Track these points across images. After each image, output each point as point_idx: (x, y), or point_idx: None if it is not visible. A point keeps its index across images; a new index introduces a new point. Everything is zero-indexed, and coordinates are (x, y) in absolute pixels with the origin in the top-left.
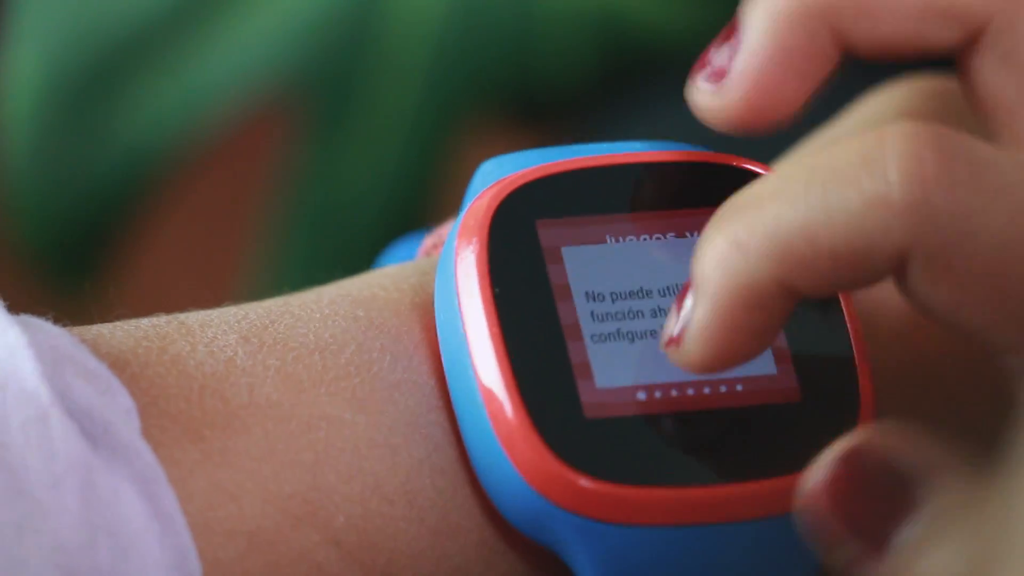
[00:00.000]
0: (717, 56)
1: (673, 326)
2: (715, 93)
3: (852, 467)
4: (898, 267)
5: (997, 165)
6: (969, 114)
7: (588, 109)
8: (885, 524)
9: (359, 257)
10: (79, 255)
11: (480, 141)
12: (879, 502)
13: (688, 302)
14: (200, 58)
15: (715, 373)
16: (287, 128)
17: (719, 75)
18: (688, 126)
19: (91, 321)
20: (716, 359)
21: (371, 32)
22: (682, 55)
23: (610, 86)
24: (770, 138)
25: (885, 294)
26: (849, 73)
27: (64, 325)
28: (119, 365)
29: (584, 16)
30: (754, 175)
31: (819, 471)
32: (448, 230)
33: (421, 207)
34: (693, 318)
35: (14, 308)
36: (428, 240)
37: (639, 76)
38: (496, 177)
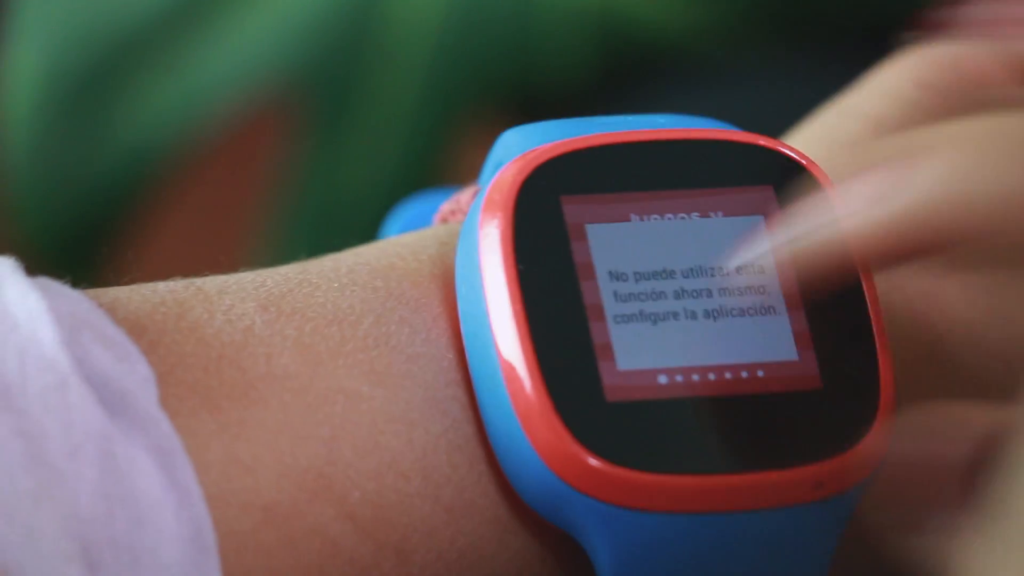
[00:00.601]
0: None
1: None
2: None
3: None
4: None
5: None
6: (981, 83)
7: (588, 107)
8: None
9: None
10: (80, 254)
11: (480, 139)
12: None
13: (883, 185)
14: (200, 57)
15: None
16: (287, 126)
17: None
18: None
19: None
20: (879, 245)
21: (371, 30)
22: (682, 54)
23: (610, 84)
24: (780, 118)
25: (903, 279)
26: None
27: (81, 288)
28: (137, 331)
29: (584, 14)
30: (780, 155)
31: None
32: (465, 197)
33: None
34: (886, 204)
35: None
36: (445, 206)
37: (639, 74)
38: (519, 149)
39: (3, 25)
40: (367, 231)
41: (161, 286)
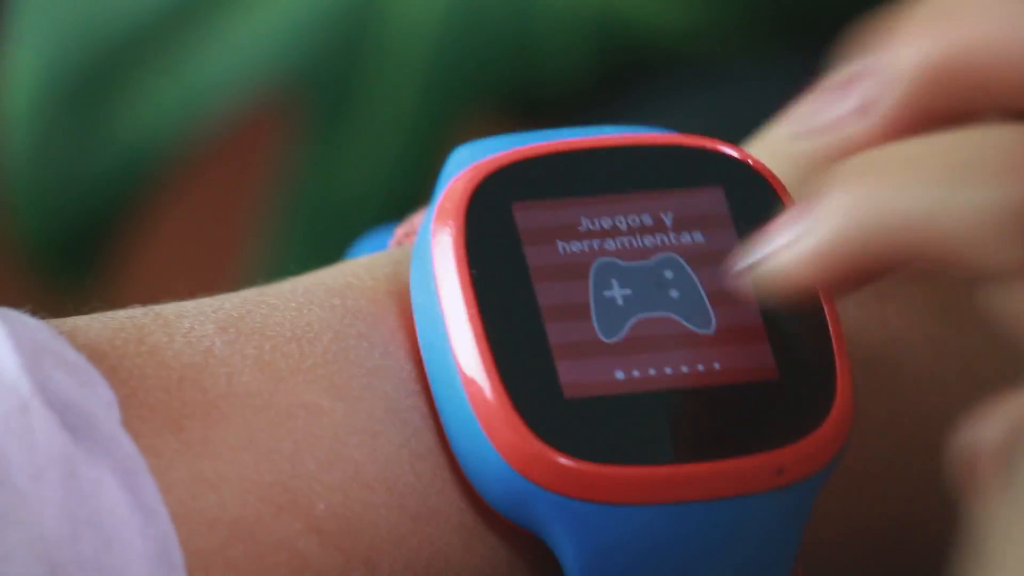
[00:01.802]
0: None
1: (782, 241)
2: (857, 120)
3: None
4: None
5: None
6: None
7: (587, 108)
8: None
9: None
10: (78, 254)
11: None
12: None
13: (799, 226)
14: (199, 57)
15: (798, 290)
16: (285, 127)
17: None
18: (686, 125)
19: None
20: (810, 281)
21: (370, 31)
22: (681, 55)
23: (609, 86)
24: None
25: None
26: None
27: (42, 318)
28: (97, 356)
29: (583, 15)
30: (727, 157)
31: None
32: (418, 220)
33: (420, 203)
34: (803, 242)
35: (12, 306)
36: (399, 230)
37: (638, 75)
38: (468, 162)
39: (3, 25)
40: (365, 231)
41: (120, 313)
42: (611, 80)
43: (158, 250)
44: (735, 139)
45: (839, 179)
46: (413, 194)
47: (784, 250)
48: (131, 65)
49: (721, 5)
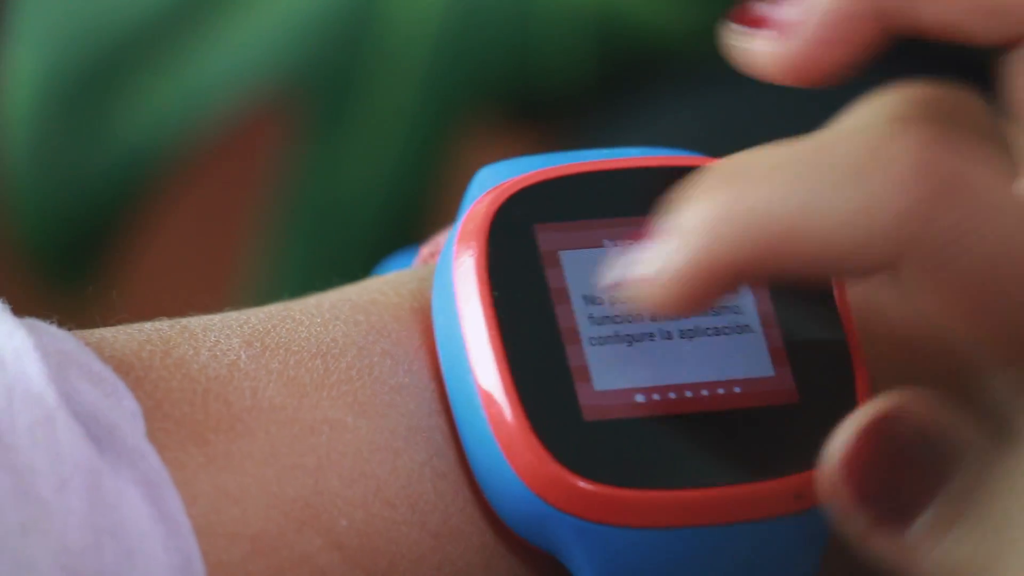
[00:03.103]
0: (771, 10)
1: (644, 265)
2: (774, 42)
3: (883, 431)
4: (887, 268)
5: (995, 190)
6: (955, 122)
7: (587, 109)
8: (903, 498)
9: (357, 256)
10: (78, 255)
11: (479, 141)
12: (900, 473)
13: (664, 247)
14: (199, 58)
15: (677, 315)
16: (286, 128)
17: (779, 28)
18: (686, 126)
19: (92, 320)
20: (680, 305)
21: (370, 32)
22: (681, 55)
23: (609, 86)
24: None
25: (880, 295)
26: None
27: (68, 328)
28: (123, 368)
29: (583, 16)
30: None
31: (846, 432)
32: (443, 238)
33: (420, 207)
34: (669, 265)
35: (15, 308)
36: (425, 249)
37: (638, 76)
38: (493, 183)
39: (3, 25)
40: (366, 231)
41: (147, 325)
42: (611, 80)
43: (158, 250)
44: (735, 141)
45: (704, 186)
46: (413, 195)
47: (651, 271)
48: (131, 65)
49: (721, 6)
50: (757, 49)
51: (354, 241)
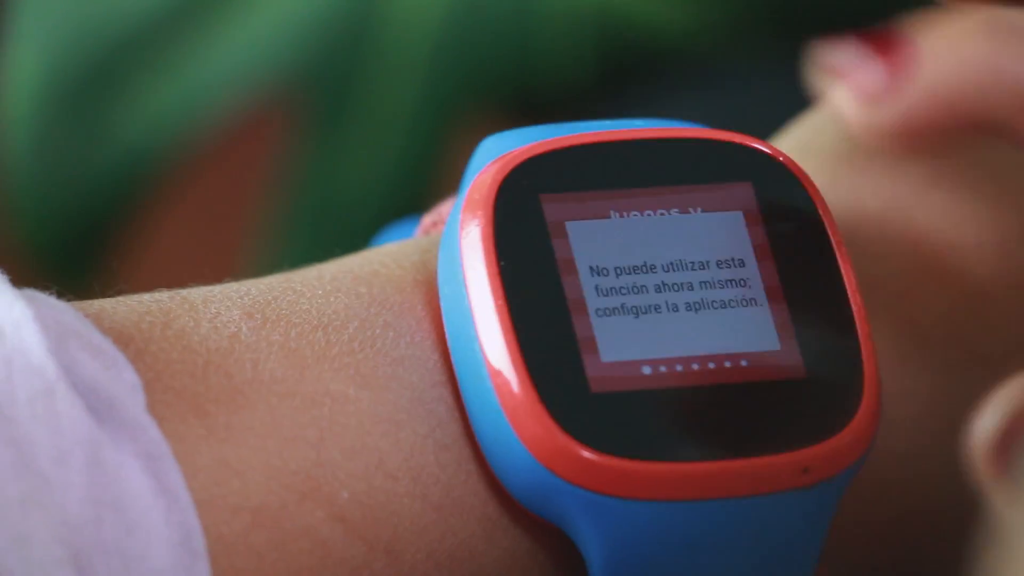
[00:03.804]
0: (870, 71)
1: (876, 77)
2: (874, 105)
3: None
4: None
5: None
6: None
7: (586, 108)
8: None
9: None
10: (79, 253)
11: (480, 136)
12: None
13: (909, 69)
14: (200, 56)
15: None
16: (286, 126)
17: (879, 92)
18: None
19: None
20: (895, 129)
21: (370, 31)
22: (680, 54)
23: (608, 85)
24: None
25: (881, 270)
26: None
27: (67, 300)
28: (123, 340)
29: (583, 15)
30: (756, 151)
31: (997, 414)
32: (446, 208)
33: (420, 205)
34: (908, 89)
35: None
36: (427, 218)
37: (637, 74)
38: (498, 152)
39: (3, 25)
40: (366, 231)
41: (146, 297)
42: (610, 79)
43: (159, 249)
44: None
45: (964, 29)
46: (414, 193)
47: (884, 86)
48: (132, 65)
49: (720, 4)
50: (846, 98)
51: (354, 238)
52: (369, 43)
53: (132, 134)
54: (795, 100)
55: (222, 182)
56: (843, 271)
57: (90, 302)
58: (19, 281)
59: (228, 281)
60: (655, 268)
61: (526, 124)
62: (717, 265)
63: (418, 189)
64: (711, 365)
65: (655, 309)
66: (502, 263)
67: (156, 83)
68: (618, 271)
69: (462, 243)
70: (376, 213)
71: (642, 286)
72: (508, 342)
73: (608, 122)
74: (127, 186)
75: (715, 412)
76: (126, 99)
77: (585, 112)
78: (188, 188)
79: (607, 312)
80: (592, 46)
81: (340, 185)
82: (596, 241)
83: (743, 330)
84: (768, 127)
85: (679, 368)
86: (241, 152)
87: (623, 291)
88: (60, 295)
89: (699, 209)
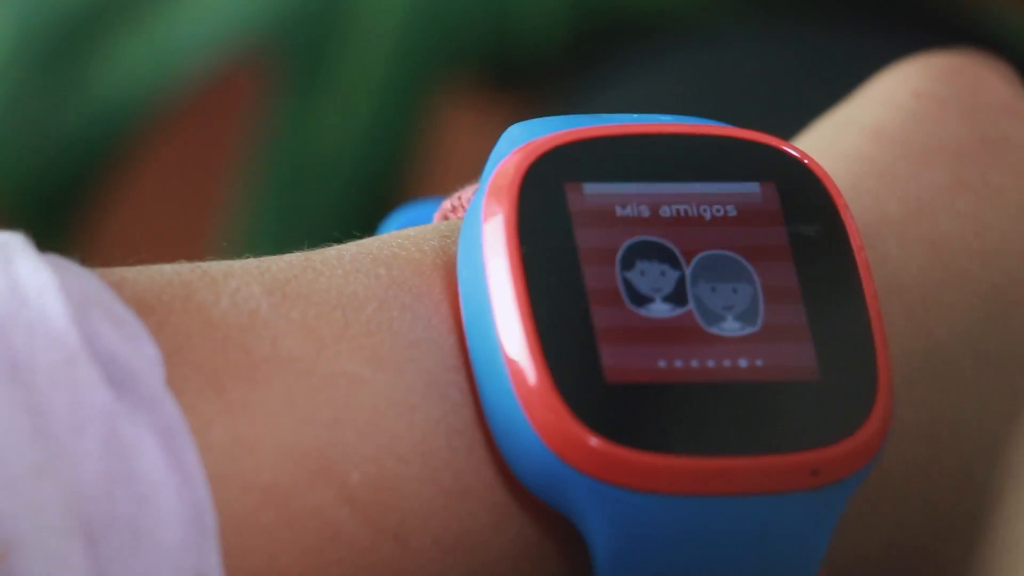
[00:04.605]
0: None
1: None
2: None
3: None
4: None
5: None
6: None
7: (564, 72)
8: None
9: (332, 214)
10: (53, 212)
11: (454, 102)
12: None
13: None
14: (174, 15)
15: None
16: (260, 86)
17: None
18: (663, 91)
19: None
20: None
21: None
22: (659, 19)
23: (586, 49)
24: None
25: (901, 276)
26: (842, 50)
27: (89, 267)
28: (144, 311)
29: None
30: (782, 152)
31: None
32: (468, 193)
33: (394, 166)
34: None
35: None
36: (447, 203)
37: (616, 39)
38: (523, 140)
39: None
40: (341, 189)
41: (167, 267)
42: (588, 43)
43: (133, 208)
44: (716, 103)
45: None
46: (388, 154)
47: None
48: (105, 23)
49: None
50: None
51: (329, 199)
52: (344, 5)
53: (106, 92)
54: (772, 66)
55: (195, 141)
56: (862, 276)
57: (111, 270)
58: None
59: (200, 244)
60: (677, 262)
61: (502, 86)
62: None
63: (392, 152)
64: (726, 363)
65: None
66: (524, 249)
67: (129, 42)
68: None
69: (484, 228)
70: (349, 175)
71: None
72: (525, 328)
73: (635, 115)
74: (100, 145)
75: (728, 409)
76: (100, 57)
77: (563, 76)
78: (162, 145)
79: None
80: (568, 10)
81: (314, 144)
82: None
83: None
84: (748, 91)
85: (694, 364)
86: (215, 112)
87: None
88: (46, 241)
89: (722, 207)
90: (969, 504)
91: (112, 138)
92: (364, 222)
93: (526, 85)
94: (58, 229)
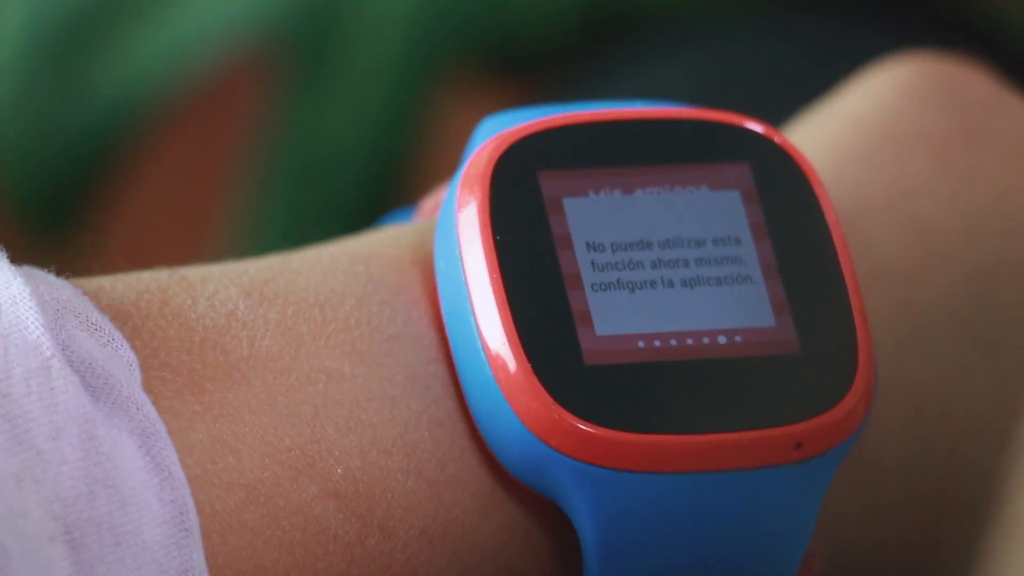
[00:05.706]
0: None
1: None
2: None
3: None
4: None
5: None
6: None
7: (569, 62)
8: None
9: (339, 210)
10: (61, 206)
11: (460, 95)
12: None
13: None
14: (181, 11)
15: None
16: (267, 81)
17: None
18: (668, 79)
19: (76, 271)
20: None
21: None
22: (665, 10)
23: (591, 39)
24: (763, 105)
25: (885, 259)
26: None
27: (66, 277)
28: (121, 317)
29: None
30: (754, 134)
31: None
32: (445, 190)
33: (401, 161)
34: None
35: None
36: (427, 202)
37: (620, 29)
38: (496, 131)
39: None
40: (347, 184)
41: (145, 275)
42: (593, 34)
43: (140, 203)
44: (718, 93)
45: None
46: (394, 148)
47: None
48: (112, 20)
49: None
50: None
51: (335, 195)
52: (349, 1)
53: (114, 88)
54: (775, 58)
55: (203, 136)
56: (839, 249)
57: (88, 279)
58: (2, 233)
59: (206, 239)
60: (651, 245)
61: (507, 78)
62: (713, 243)
63: (398, 145)
64: (705, 340)
65: (650, 285)
66: (498, 238)
67: (138, 37)
68: (614, 247)
69: (459, 218)
70: (357, 167)
71: (638, 262)
72: (503, 314)
73: (607, 102)
74: (109, 138)
75: (709, 386)
76: (108, 52)
77: (567, 67)
78: (169, 141)
79: (603, 287)
80: (573, 4)
81: (321, 139)
82: (593, 217)
83: (738, 306)
84: (751, 81)
85: (673, 342)
86: (222, 106)
87: (619, 267)
88: (42, 248)
89: (696, 188)
90: (959, 486)
91: (120, 133)
92: (371, 217)
93: (532, 74)
94: (66, 223)
